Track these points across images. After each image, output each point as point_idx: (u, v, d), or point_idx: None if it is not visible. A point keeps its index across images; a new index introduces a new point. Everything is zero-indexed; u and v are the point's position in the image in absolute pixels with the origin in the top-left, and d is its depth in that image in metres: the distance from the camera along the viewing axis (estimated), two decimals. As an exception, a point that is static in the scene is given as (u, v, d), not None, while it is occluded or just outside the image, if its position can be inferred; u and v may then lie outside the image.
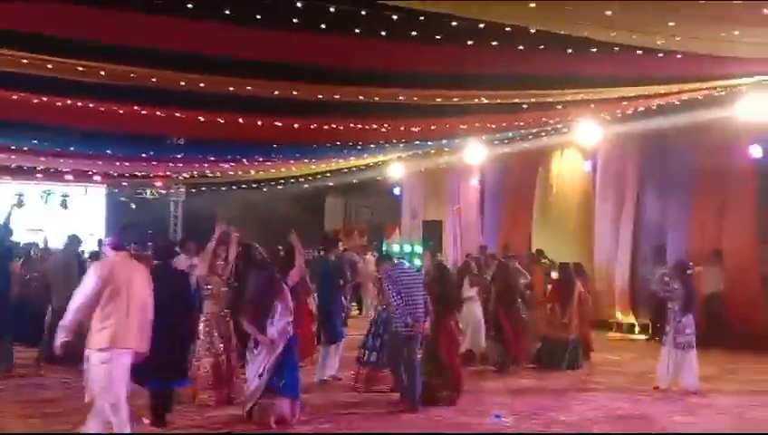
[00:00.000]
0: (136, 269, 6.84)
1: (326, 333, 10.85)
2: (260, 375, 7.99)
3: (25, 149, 18.31)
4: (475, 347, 12.20)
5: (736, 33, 8.66)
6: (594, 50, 9.35)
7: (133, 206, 26.74)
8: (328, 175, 23.86)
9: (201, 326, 8.96)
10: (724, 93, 12.84)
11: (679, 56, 9.61)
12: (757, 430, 8.25)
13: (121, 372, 6.44)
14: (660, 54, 9.55)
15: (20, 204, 20.85)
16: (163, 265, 8.28)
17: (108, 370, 6.35)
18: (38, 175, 23.45)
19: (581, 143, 16.60)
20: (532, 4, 7.66)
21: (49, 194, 25.63)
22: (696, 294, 10.51)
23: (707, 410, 9.19)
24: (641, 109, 14.15)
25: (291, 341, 8.14)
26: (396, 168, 22.78)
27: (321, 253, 11.56)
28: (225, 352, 8.98)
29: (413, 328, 8.88)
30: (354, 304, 18.90)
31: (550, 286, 13.15)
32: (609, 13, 7.87)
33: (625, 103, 13.58)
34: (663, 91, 12.33)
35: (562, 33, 8.88)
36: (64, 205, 24.59)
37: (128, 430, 6.48)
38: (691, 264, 11.27)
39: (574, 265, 12.99)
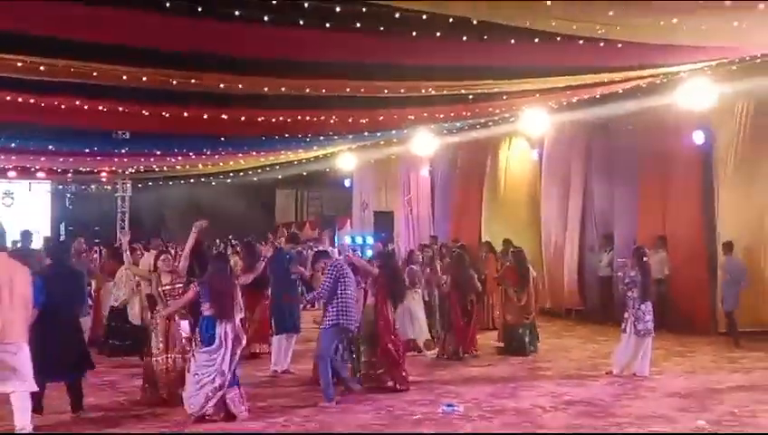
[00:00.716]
0: (16, 268, 7.41)
1: (275, 323, 10.97)
2: (220, 374, 7.92)
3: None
4: (417, 336, 12.26)
5: (675, 21, 8.79)
6: (537, 40, 9.42)
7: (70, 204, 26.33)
8: (277, 168, 23.71)
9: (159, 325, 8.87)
10: (665, 81, 13.04)
11: (620, 45, 9.73)
12: (702, 412, 8.41)
13: (8, 363, 7.07)
14: (602, 44, 9.66)
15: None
16: (57, 263, 8.50)
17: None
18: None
19: (528, 132, 16.75)
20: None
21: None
22: (649, 281, 10.67)
23: (654, 394, 9.35)
24: (586, 97, 14.31)
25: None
26: (346, 159, 22.74)
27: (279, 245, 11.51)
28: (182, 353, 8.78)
29: (343, 327, 9.00)
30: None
31: (501, 272, 13.28)
32: (549, 3, 7.93)
33: (569, 92, 13.73)
34: (606, 80, 12.49)
35: (504, 23, 8.93)
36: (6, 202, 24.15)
37: (26, 415, 7.19)
38: (647, 250, 11.46)
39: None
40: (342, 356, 9.58)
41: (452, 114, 15.40)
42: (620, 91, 13.60)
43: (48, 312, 7.61)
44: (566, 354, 12.34)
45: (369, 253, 19.09)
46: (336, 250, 16.30)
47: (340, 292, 8.93)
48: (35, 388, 7.33)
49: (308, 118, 14.62)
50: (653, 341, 10.58)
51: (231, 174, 24.76)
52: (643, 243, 12.82)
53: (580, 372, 10.76)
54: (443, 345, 12.02)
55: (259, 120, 14.44)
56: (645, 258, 10.72)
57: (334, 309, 8.94)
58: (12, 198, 25.51)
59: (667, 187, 14.80)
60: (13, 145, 18.03)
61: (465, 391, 9.53)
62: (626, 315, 10.53)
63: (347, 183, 24.76)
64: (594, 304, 16.25)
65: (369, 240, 21.51)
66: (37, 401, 7.76)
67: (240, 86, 11.77)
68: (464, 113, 15.23)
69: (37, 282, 7.58)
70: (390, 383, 9.54)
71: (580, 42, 9.52)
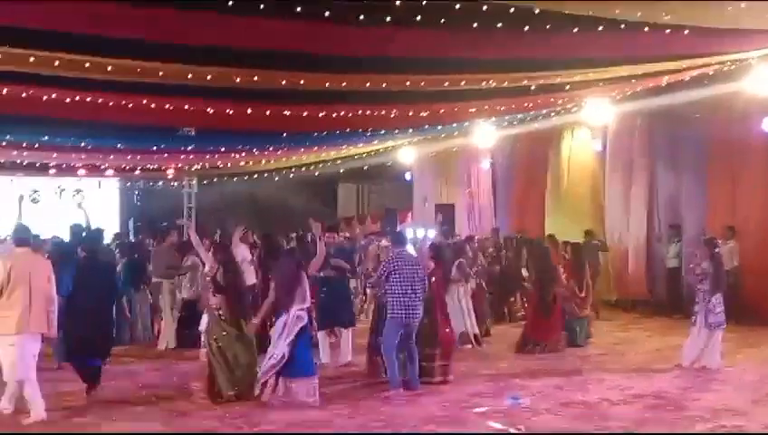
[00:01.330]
0: (36, 263, 7.86)
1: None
2: (270, 358, 8.32)
3: (37, 145, 18.42)
4: (470, 329, 12.29)
5: (743, 5, 8.57)
6: (600, 28, 9.27)
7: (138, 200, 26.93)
8: (339, 162, 23.85)
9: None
10: (733, 68, 12.72)
11: (686, 32, 9.53)
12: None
13: (28, 354, 7.52)
14: (667, 31, 9.47)
15: (34, 200, 21.03)
16: (90, 256, 8.98)
17: (15, 352, 7.43)
18: (51, 171, 23.58)
19: (591, 122, 16.53)
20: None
21: (62, 190, 25.80)
22: (722, 272, 10.44)
23: (725, 387, 9.18)
24: (651, 85, 14.05)
25: (305, 326, 8.48)
26: (407, 153, 22.76)
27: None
28: None
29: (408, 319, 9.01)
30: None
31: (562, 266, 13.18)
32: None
33: (634, 81, 13.49)
34: (672, 68, 12.23)
35: (567, 12, 8.82)
36: (35, 201, 24.83)
37: (39, 403, 7.60)
38: (719, 241, 11.22)
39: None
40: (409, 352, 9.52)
41: (513, 106, 15.29)
42: (687, 79, 13.31)
43: (77, 300, 8.44)
44: (633, 347, 12.18)
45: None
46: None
47: (398, 284, 8.94)
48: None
49: (368, 112, 14.67)
50: (723, 333, 10.37)
51: (293, 169, 25.00)
52: (713, 233, 12.55)
53: (649, 365, 10.61)
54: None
55: (320, 115, 14.55)
56: (717, 249, 10.50)
57: (393, 302, 8.99)
58: (82, 195, 26.17)
59: (737, 175, 14.47)
60: (83, 144, 18.52)
61: (531, 383, 9.50)
62: (696, 308, 10.33)
63: (408, 176, 24.77)
64: (661, 296, 15.96)
65: (431, 233, 21.43)
66: (87, 378, 8.61)
67: (302, 82, 11.88)
68: (526, 105, 15.09)
69: (70, 273, 8.52)
70: (440, 378, 9.53)
71: (645, 29, 9.34)
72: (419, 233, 22.11)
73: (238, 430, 7.59)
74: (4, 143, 17.74)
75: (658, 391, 9.01)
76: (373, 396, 8.90)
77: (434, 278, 9.81)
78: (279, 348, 8.33)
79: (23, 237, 7.99)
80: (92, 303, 8.59)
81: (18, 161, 21.40)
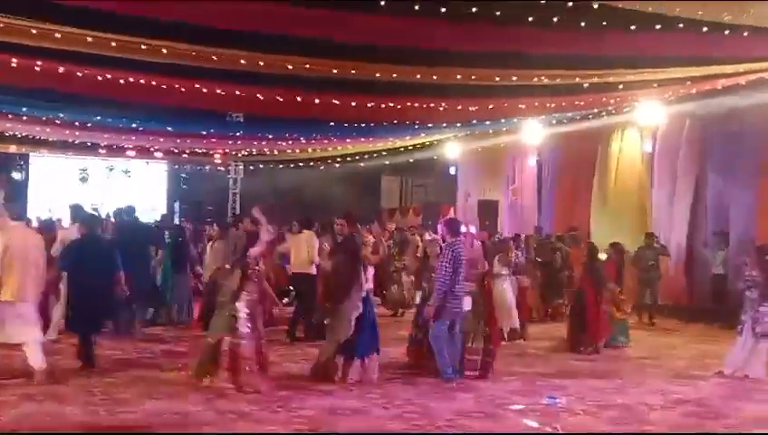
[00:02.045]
0: (28, 237, 8.76)
1: None
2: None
3: (89, 125, 18.75)
4: (515, 325, 12.28)
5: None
6: (659, 26, 9.12)
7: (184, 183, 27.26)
8: (384, 154, 23.88)
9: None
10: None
11: (746, 33, 9.33)
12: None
13: (26, 317, 8.29)
14: (726, 31, 9.29)
15: (83, 179, 21.42)
16: (90, 234, 9.64)
17: (16, 314, 8.22)
18: (101, 151, 24.01)
19: (642, 123, 16.29)
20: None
21: (111, 169, 26.27)
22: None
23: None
24: (706, 88, 13.80)
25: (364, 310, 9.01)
26: (452, 147, 22.69)
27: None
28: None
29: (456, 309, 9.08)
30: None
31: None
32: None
33: (689, 83, 13.26)
34: (730, 71, 11.99)
35: (626, 8, 8.69)
36: (84, 180, 25.27)
37: (40, 360, 8.31)
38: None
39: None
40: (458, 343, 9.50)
41: (564, 104, 15.14)
42: (743, 83, 13.04)
43: (76, 274, 9.24)
44: (674, 352, 12.00)
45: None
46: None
47: (450, 274, 8.97)
48: (42, 338, 8.71)
49: (417, 105, 14.65)
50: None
51: (338, 159, 25.10)
52: (762, 242, 12.28)
53: (690, 372, 10.43)
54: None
55: (368, 105, 14.57)
56: (767, 257, 10.29)
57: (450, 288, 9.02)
58: (129, 175, 26.59)
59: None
60: (134, 125, 18.81)
61: (570, 383, 9.39)
62: (743, 317, 10.12)
63: (452, 171, 24.71)
64: (705, 302, 15.68)
65: (472, 229, 21.34)
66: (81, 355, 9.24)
67: (353, 72, 11.90)
68: (577, 103, 14.93)
69: (73, 247, 9.40)
70: (479, 373, 9.48)
71: (704, 29, 9.17)
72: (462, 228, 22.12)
73: (274, 414, 7.64)
74: (57, 121, 18.08)
75: (699, 398, 8.85)
76: (410, 387, 8.92)
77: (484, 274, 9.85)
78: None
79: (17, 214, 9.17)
80: (90, 278, 9.18)
81: (70, 140, 21.82)
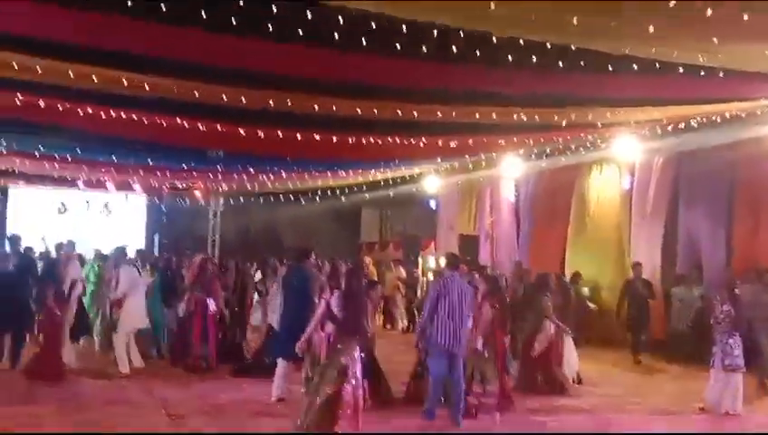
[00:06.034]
0: None
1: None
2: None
3: (69, 158, 18.66)
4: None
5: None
6: (635, 67, 9.29)
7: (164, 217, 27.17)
8: (364, 188, 23.92)
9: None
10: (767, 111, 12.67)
11: (721, 74, 9.52)
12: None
13: None
14: (702, 72, 9.47)
15: (60, 211, 21.26)
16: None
17: None
18: (80, 184, 23.87)
19: (619, 158, 16.45)
20: (575, 20, 7.60)
21: (88, 202, 26.10)
22: (743, 314, 10.33)
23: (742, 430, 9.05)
24: (682, 125, 14.00)
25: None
26: (431, 180, 22.77)
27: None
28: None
29: (451, 348, 8.84)
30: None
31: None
32: (651, 29, 7.79)
33: (664, 122, 13.46)
34: (706, 111, 12.20)
35: (603, 50, 8.85)
36: (61, 210, 25.15)
37: None
38: (738, 282, 11.12)
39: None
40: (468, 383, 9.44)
41: (542, 140, 15.28)
42: (718, 120, 13.26)
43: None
44: (656, 389, 12.03)
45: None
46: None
47: (443, 310, 8.73)
48: None
49: (398, 141, 14.72)
50: (744, 377, 10.22)
51: (318, 193, 25.11)
52: (735, 276, 12.41)
53: (670, 408, 10.47)
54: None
55: (350, 141, 14.63)
56: (735, 290, 10.43)
57: (434, 328, 8.80)
58: (109, 209, 26.41)
59: (760, 218, 14.28)
60: (113, 157, 18.73)
61: (550, 420, 9.41)
62: (714, 350, 10.23)
63: (432, 204, 24.77)
64: (682, 338, 15.68)
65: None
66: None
67: (334, 108, 11.97)
68: (555, 139, 15.09)
69: None
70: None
71: (680, 69, 9.34)
72: (442, 262, 22.15)
73: None
74: (37, 154, 17.99)
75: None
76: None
77: (490, 315, 9.71)
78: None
79: None
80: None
81: (48, 174, 21.68)
